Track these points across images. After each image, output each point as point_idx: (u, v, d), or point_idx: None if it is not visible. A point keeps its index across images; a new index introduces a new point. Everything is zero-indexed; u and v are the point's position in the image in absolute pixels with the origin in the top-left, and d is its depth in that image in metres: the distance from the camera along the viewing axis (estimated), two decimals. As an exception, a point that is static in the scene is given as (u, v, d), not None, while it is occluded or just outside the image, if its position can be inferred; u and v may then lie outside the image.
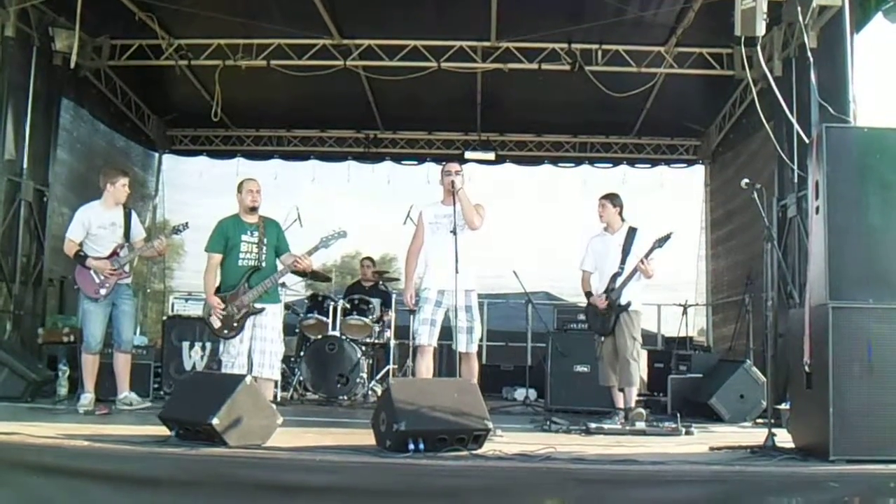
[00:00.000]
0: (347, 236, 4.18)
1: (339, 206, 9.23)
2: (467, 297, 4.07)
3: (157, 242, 4.49)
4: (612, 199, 4.78)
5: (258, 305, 4.14)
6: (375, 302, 6.14)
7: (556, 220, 8.76)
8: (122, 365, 4.54)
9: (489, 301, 6.96)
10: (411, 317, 6.16)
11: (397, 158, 8.67)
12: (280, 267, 4.22)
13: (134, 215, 4.65)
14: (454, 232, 3.96)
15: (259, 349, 4.11)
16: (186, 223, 4.52)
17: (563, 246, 8.06)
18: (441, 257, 4.01)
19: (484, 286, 4.28)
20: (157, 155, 8.54)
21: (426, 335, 4.05)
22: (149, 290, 8.47)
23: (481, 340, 5.18)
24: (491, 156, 8.24)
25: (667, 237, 4.45)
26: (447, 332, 4.08)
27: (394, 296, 6.13)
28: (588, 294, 4.76)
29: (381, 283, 6.50)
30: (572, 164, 8.64)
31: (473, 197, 4.15)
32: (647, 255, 4.48)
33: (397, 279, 6.88)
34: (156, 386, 5.38)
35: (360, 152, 8.52)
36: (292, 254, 4.25)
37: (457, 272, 3.86)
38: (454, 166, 4.20)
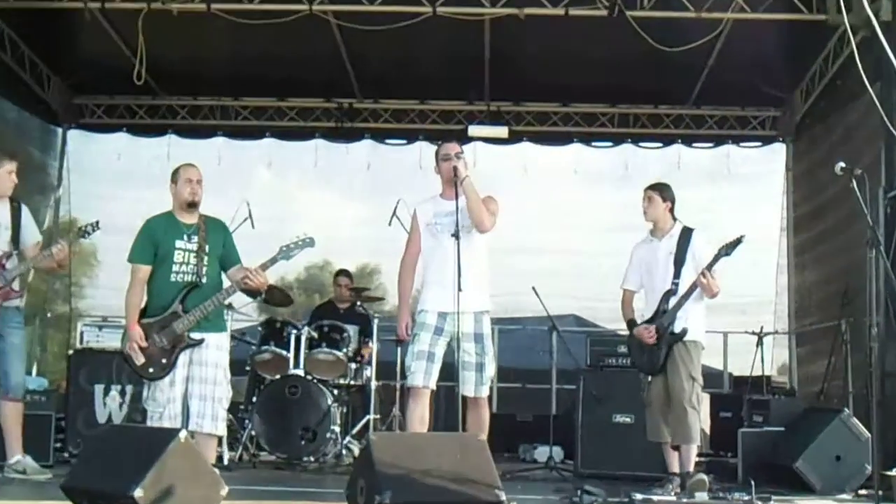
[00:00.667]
0: (315, 244, 4.23)
1: (303, 201, 9.37)
2: (477, 323, 4.13)
3: (57, 249, 4.43)
4: (662, 190, 4.82)
5: (196, 335, 4.18)
6: (352, 330, 6.22)
7: (588, 218, 8.78)
8: (12, 417, 4.45)
9: (500, 328, 6.97)
10: (398, 349, 6.20)
11: (380, 136, 8.74)
12: (227, 284, 4.28)
13: (26, 212, 4.65)
14: (457, 235, 4.03)
15: (198, 394, 4.15)
16: (97, 223, 4.50)
17: (597, 254, 8.23)
18: (442, 269, 4.08)
19: (493, 308, 4.32)
20: (59, 131, 8.47)
21: (422, 373, 4.09)
22: (49, 315, 8.37)
23: (493, 381, 5.20)
24: (503, 132, 8.30)
25: (736, 242, 4.49)
26: (449, 370, 4.12)
27: (376, 322, 6.16)
28: (631, 322, 4.83)
29: (359, 304, 6.59)
30: (610, 143, 8.75)
31: (480, 188, 4.23)
32: (709, 267, 4.53)
33: (380, 298, 6.96)
34: (58, 445, 5.29)
35: (332, 128, 8.58)
36: (242, 266, 4.30)
37: (459, 289, 3.94)
38: (454, 147, 4.27)
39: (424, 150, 8.34)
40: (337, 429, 5.71)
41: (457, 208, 4.04)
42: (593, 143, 8.71)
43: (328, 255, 8.88)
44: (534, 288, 5.93)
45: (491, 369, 4.17)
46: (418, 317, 4.16)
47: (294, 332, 5.98)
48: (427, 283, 4.20)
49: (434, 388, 4.12)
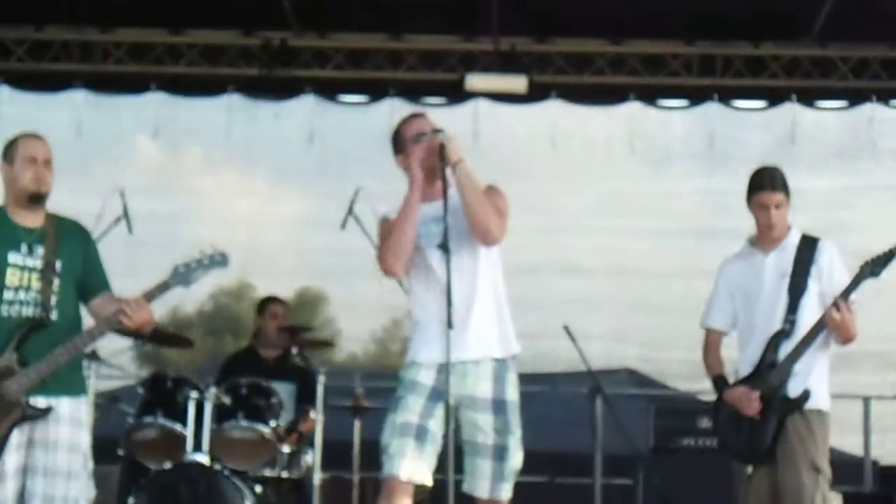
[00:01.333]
0: (228, 262, 4.28)
1: (208, 191, 9.60)
2: (498, 380, 4.29)
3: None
4: (772, 178, 4.86)
5: (40, 401, 4.17)
6: (284, 392, 6.25)
7: (650, 219, 8.94)
8: None
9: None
10: (357, 421, 6.35)
11: (329, 90, 8.82)
12: (89, 322, 4.29)
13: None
14: (445, 247, 4.12)
15: (41, 494, 4.13)
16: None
17: (665, 274, 8.52)
18: (434, 303, 4.23)
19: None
20: None
21: (406, 458, 4.15)
22: None
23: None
24: (520, 84, 8.30)
25: (887, 257, 4.58)
26: (447, 455, 4.16)
27: (322, 379, 6.19)
28: (720, 381, 4.87)
29: (295, 351, 6.59)
30: (685, 103, 8.81)
31: (481, 176, 4.35)
32: (845, 295, 4.59)
33: (328, 343, 7.12)
34: None
35: (253, 77, 8.65)
36: (114, 296, 4.33)
37: (450, 325, 4.02)
38: (421, 122, 4.43)
39: (398, 113, 8.28)
40: (262, 551, 5.80)
41: (444, 208, 4.14)
42: (659, 102, 8.79)
43: (248, 275, 9.14)
44: (566, 328, 5.96)
45: (518, 457, 4.25)
46: (405, 373, 4.28)
47: (194, 395, 5.95)
48: (419, 323, 4.34)
49: (426, 482, 4.17)
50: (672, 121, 8.93)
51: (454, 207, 4.18)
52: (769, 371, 4.67)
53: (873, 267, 4.55)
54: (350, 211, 6.12)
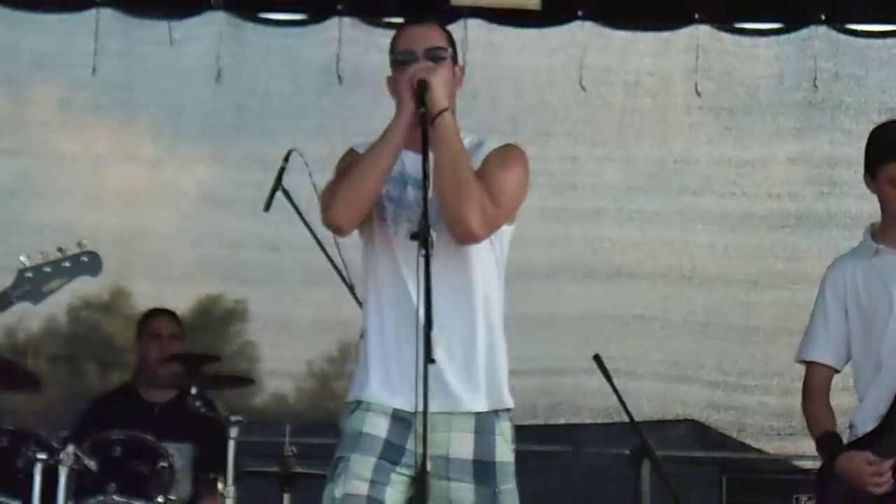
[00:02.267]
0: (100, 268, 4.32)
1: (67, 151, 9.16)
2: (483, 439, 4.34)
3: None
4: None
5: None
6: (179, 452, 6.34)
7: (723, 199, 8.84)
8: None
9: (522, 448, 6.81)
10: (285, 494, 6.39)
11: (246, 2, 8.93)
12: None
13: None
14: (424, 240, 4.10)
15: None
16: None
17: (742, 282, 8.39)
18: (399, 315, 4.32)
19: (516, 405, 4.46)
20: None
21: None
22: None
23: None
24: (533, 0, 8.40)
25: None
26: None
27: (235, 431, 6.20)
28: (830, 440, 4.88)
29: (194, 391, 6.57)
30: (776, 25, 8.83)
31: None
32: None
33: (246, 380, 7.26)
34: None
35: None
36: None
37: (430, 360, 3.98)
38: (415, 34, 4.50)
39: (348, 39, 8.58)
40: None
41: (424, 176, 4.19)
42: (739, 25, 8.82)
43: (123, 278, 8.94)
44: (598, 359, 6.01)
45: None
46: (348, 421, 4.36)
47: (41, 457, 5.91)
48: (370, 343, 4.41)
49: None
50: (758, 54, 8.88)
51: (437, 176, 4.24)
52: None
53: None
54: (278, 184, 6.24)
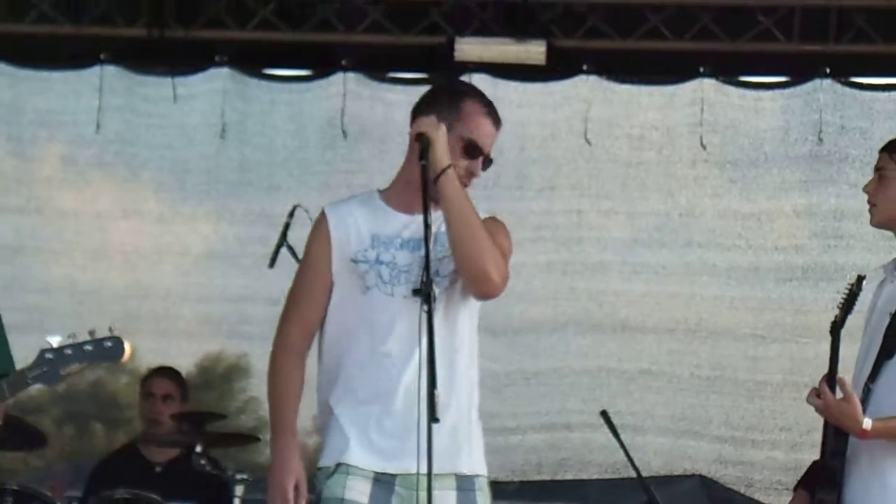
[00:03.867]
0: (123, 353, 4.29)
1: (70, 207, 9.19)
2: (464, 493, 4.34)
3: None
4: None
5: None
6: None
7: (729, 253, 8.83)
8: None
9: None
10: None
11: (251, 58, 8.91)
12: None
13: None
14: (427, 296, 4.14)
15: None
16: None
17: (750, 336, 8.39)
18: (380, 371, 4.33)
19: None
20: None
21: None
22: None
23: None
24: (536, 52, 8.42)
25: None
26: None
27: (241, 490, 6.23)
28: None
29: (199, 449, 6.55)
30: (782, 78, 8.85)
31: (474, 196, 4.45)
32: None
33: (252, 438, 7.13)
34: None
35: (138, 40, 8.66)
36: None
37: (434, 419, 4.01)
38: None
39: (353, 95, 8.55)
40: None
41: (426, 231, 4.21)
42: (744, 79, 8.83)
43: (128, 334, 8.06)
44: (605, 414, 6.02)
45: None
46: (326, 485, 4.33)
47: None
48: (340, 402, 4.41)
49: None
50: (763, 107, 8.90)
51: (438, 231, 4.28)
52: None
53: None
54: (283, 240, 6.22)
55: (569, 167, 8.79)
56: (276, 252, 6.28)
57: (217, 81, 8.85)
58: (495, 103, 7.67)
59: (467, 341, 4.41)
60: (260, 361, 8.35)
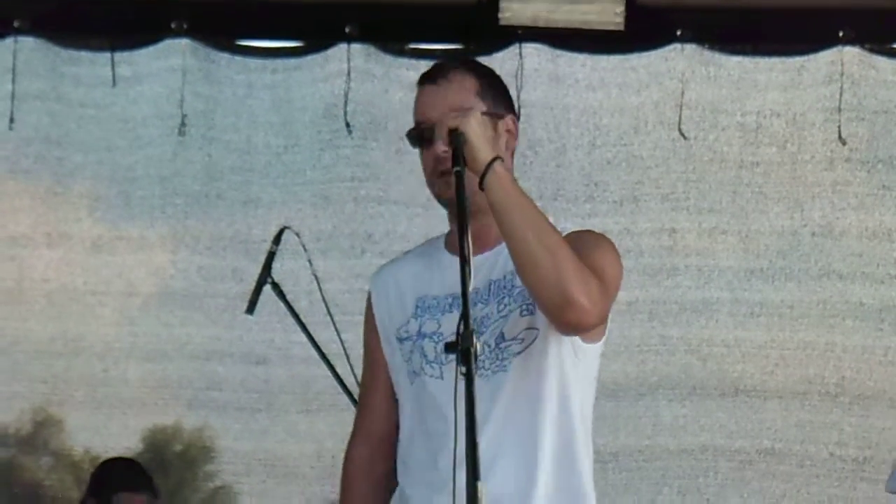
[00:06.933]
0: None
1: None
2: None
3: None
4: None
5: None
6: None
7: (874, 283, 7.92)
8: None
9: None
10: None
11: (220, 27, 8.11)
12: None
13: None
14: (467, 349, 3.81)
15: None
16: None
17: None
18: (425, 452, 4.27)
19: None
20: None
21: None
22: None
23: None
24: (610, 12, 7.63)
25: None
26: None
27: None
28: None
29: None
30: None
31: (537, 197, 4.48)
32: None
33: None
34: None
35: (66, 4, 8.06)
36: None
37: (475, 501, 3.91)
38: (426, 99, 4.45)
39: (361, 70, 7.87)
40: None
41: (463, 271, 3.89)
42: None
43: (52, 402, 8.39)
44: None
45: None
46: None
47: None
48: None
49: None
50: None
51: (484, 261, 4.12)
52: None
53: None
54: (265, 275, 5.99)
55: (657, 170, 7.87)
56: (257, 292, 6.02)
57: (174, 57, 7.97)
58: (556, 84, 7.85)
59: (554, 406, 4.10)
60: (235, 440, 8.42)
